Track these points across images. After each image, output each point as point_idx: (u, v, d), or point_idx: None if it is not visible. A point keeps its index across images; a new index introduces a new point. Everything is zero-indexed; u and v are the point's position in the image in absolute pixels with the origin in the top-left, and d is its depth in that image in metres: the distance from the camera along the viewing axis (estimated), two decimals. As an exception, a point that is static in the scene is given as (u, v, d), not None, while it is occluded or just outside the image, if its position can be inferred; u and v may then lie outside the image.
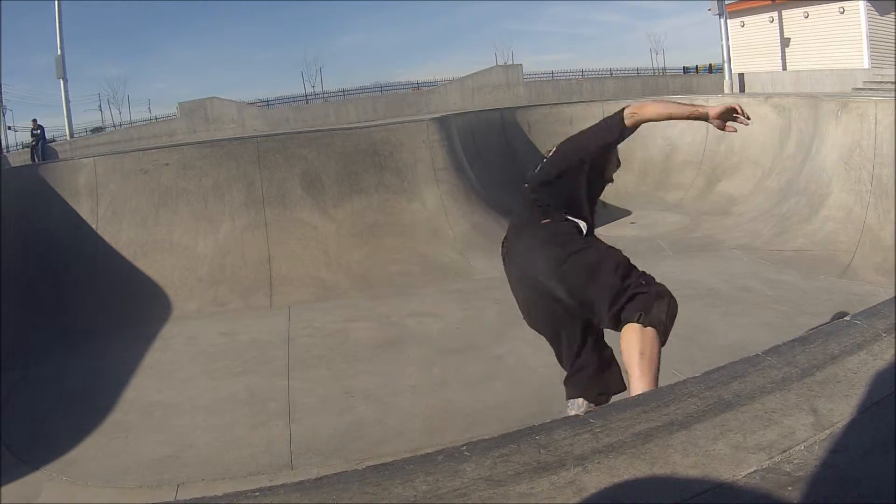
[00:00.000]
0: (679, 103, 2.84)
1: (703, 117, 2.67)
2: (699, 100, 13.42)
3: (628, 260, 2.70)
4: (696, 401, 1.72)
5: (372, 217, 8.53)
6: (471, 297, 7.06)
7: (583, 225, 2.81)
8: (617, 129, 2.78)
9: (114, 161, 8.50)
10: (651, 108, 2.75)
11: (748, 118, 2.63)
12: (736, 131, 2.70)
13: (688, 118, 2.77)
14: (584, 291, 2.60)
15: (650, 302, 2.48)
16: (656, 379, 2.38)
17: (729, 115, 2.64)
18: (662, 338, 2.47)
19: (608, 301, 2.53)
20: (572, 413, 2.76)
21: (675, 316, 2.56)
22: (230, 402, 4.95)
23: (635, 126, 2.76)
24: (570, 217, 2.83)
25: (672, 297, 2.57)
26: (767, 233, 8.75)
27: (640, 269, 2.70)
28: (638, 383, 2.36)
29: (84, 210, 7.89)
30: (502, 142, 12.94)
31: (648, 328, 2.44)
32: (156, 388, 5.31)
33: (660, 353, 2.44)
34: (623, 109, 2.76)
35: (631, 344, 2.43)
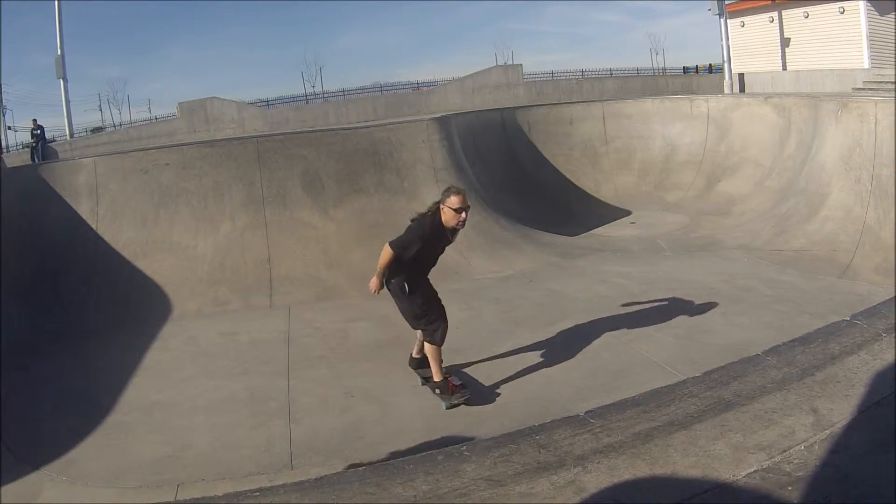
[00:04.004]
0: (378, 271, 4.47)
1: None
2: (699, 100, 13.45)
3: (424, 310, 4.66)
4: (696, 401, 1.72)
5: (372, 217, 8.52)
6: (471, 297, 7.05)
7: (407, 286, 4.58)
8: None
9: (114, 161, 8.49)
10: (380, 260, 4.41)
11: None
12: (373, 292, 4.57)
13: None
14: None
15: (432, 334, 4.65)
16: (437, 362, 4.71)
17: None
18: (440, 345, 4.69)
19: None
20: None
21: (446, 331, 4.70)
22: (230, 402, 4.95)
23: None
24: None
25: (444, 326, 4.67)
26: (767, 233, 8.74)
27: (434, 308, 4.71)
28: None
29: (84, 210, 7.89)
30: (502, 142, 12.94)
31: (433, 346, 4.68)
32: (156, 388, 5.31)
33: (438, 353, 4.72)
34: (388, 243, 4.39)
35: (426, 351, 4.78)
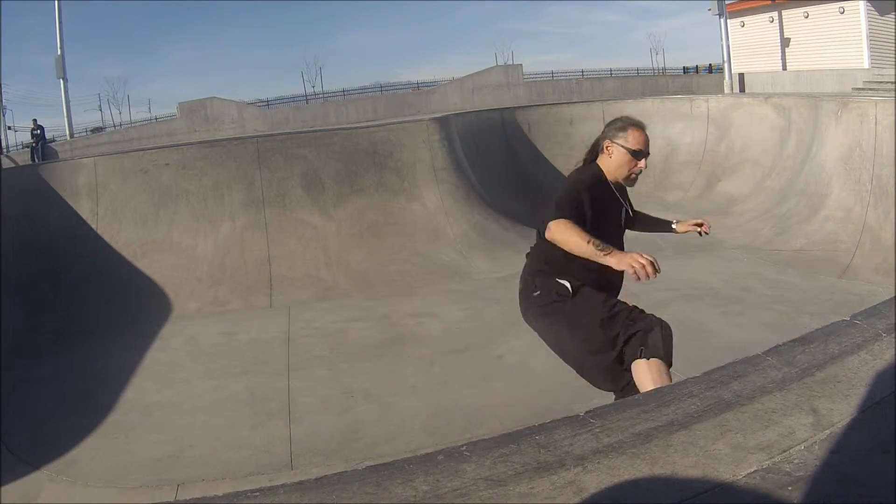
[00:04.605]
0: (590, 247, 2.46)
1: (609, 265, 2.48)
2: (699, 100, 13.45)
3: (611, 307, 2.67)
4: (696, 401, 1.72)
5: (372, 217, 8.53)
6: (471, 297, 7.05)
7: (567, 285, 2.74)
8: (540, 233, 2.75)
9: (114, 161, 8.50)
10: (564, 244, 2.54)
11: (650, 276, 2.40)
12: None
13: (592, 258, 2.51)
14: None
15: (644, 338, 2.57)
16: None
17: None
18: (667, 361, 2.59)
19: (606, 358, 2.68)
20: None
21: (672, 337, 2.63)
22: (230, 402, 4.95)
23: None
24: (557, 279, 2.77)
25: (661, 323, 2.63)
26: (767, 233, 8.74)
27: (628, 304, 2.71)
28: None
29: (84, 210, 7.89)
30: (502, 142, 12.94)
31: (653, 360, 2.54)
32: (156, 388, 5.31)
33: (670, 375, 2.57)
34: (551, 222, 2.57)
35: (644, 379, 2.54)
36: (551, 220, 2.55)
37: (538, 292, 2.85)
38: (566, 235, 2.50)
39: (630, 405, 1.76)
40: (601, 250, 2.44)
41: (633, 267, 2.37)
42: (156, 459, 4.17)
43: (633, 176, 2.86)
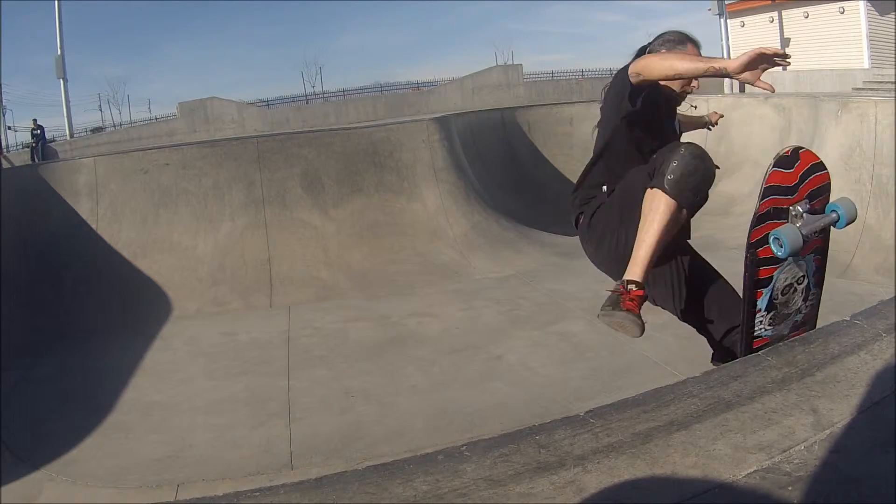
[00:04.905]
0: (695, 58, 2.17)
1: (723, 74, 2.11)
2: (699, 100, 13.44)
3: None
4: (696, 401, 1.72)
5: (372, 217, 8.53)
6: (471, 297, 7.05)
7: (603, 187, 2.55)
8: (626, 94, 2.31)
9: (114, 161, 8.50)
10: (657, 67, 2.18)
11: (786, 57, 2.01)
12: (773, 90, 2.11)
13: (703, 75, 2.18)
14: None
15: (661, 164, 2.22)
16: (653, 232, 2.22)
17: (757, 65, 2.00)
18: (674, 196, 2.17)
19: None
20: None
21: (696, 162, 2.18)
22: (230, 402, 4.95)
23: (644, 85, 2.26)
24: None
25: (690, 147, 2.21)
26: (767, 233, 8.74)
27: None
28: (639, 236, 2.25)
29: (84, 210, 7.90)
30: (502, 142, 12.94)
31: (653, 190, 2.20)
32: (156, 388, 5.31)
33: (669, 213, 2.20)
34: (627, 67, 2.26)
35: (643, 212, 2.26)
36: (635, 61, 2.28)
37: (580, 213, 2.64)
38: (659, 58, 2.20)
39: (630, 405, 1.76)
40: (708, 58, 2.15)
41: (760, 53, 1.97)
42: (156, 459, 4.17)
43: (684, 94, 2.56)
